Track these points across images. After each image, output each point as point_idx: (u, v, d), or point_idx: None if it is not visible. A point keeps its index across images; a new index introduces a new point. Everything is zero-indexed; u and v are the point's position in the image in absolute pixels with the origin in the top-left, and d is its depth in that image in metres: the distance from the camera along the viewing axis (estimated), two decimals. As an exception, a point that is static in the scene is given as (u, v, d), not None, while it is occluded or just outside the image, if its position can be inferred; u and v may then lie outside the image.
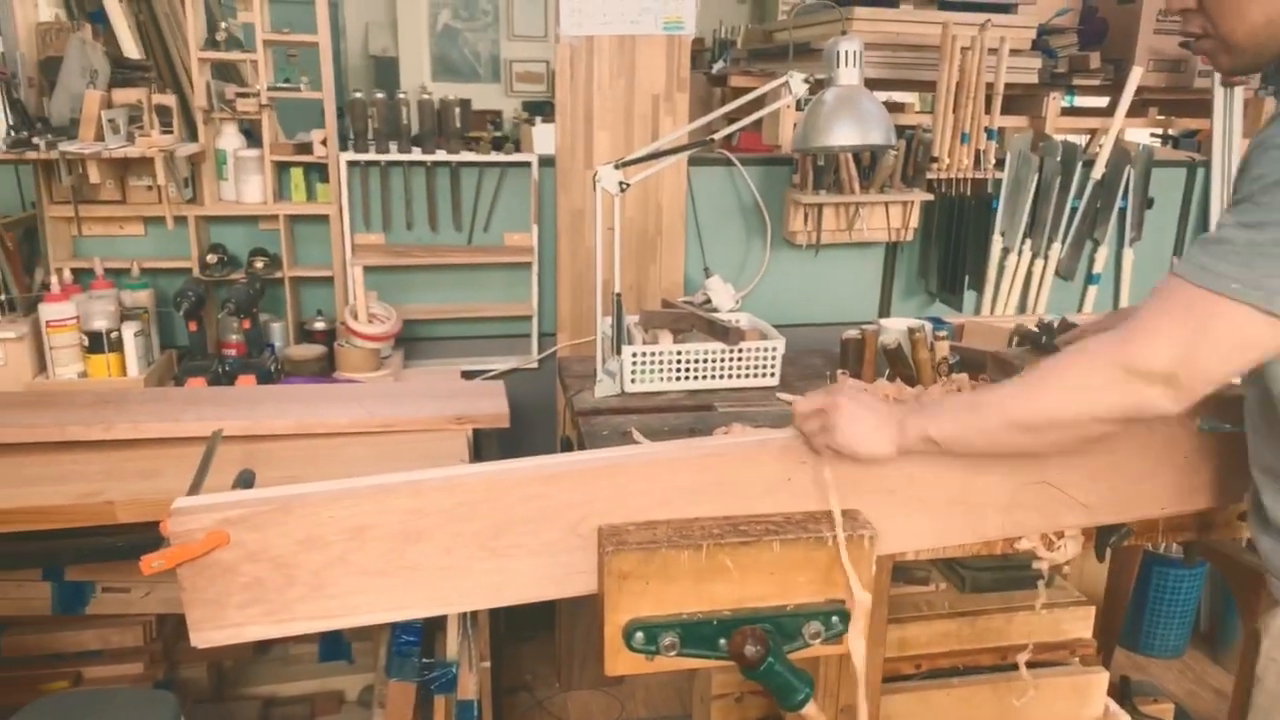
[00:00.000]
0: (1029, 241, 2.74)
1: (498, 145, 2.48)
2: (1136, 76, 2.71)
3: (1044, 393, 1.04)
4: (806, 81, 1.75)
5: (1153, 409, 0.99)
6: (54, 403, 1.90)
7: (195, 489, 1.28)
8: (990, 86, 2.60)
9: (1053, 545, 1.37)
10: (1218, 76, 2.78)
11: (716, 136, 1.80)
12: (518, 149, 2.55)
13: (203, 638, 1.13)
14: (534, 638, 2.76)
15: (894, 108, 3.14)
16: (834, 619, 1.20)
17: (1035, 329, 1.84)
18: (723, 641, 1.17)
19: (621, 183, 1.77)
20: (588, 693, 2.61)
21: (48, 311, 2.03)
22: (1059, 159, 2.67)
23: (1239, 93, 2.83)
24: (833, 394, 1.15)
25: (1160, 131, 3.14)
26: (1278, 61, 1.03)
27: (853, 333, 1.94)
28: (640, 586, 1.14)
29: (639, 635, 1.16)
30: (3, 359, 2.01)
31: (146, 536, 1.17)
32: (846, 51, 1.67)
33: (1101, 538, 1.42)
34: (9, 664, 2.06)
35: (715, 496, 1.20)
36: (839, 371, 1.90)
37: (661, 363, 1.92)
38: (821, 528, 1.18)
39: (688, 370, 1.93)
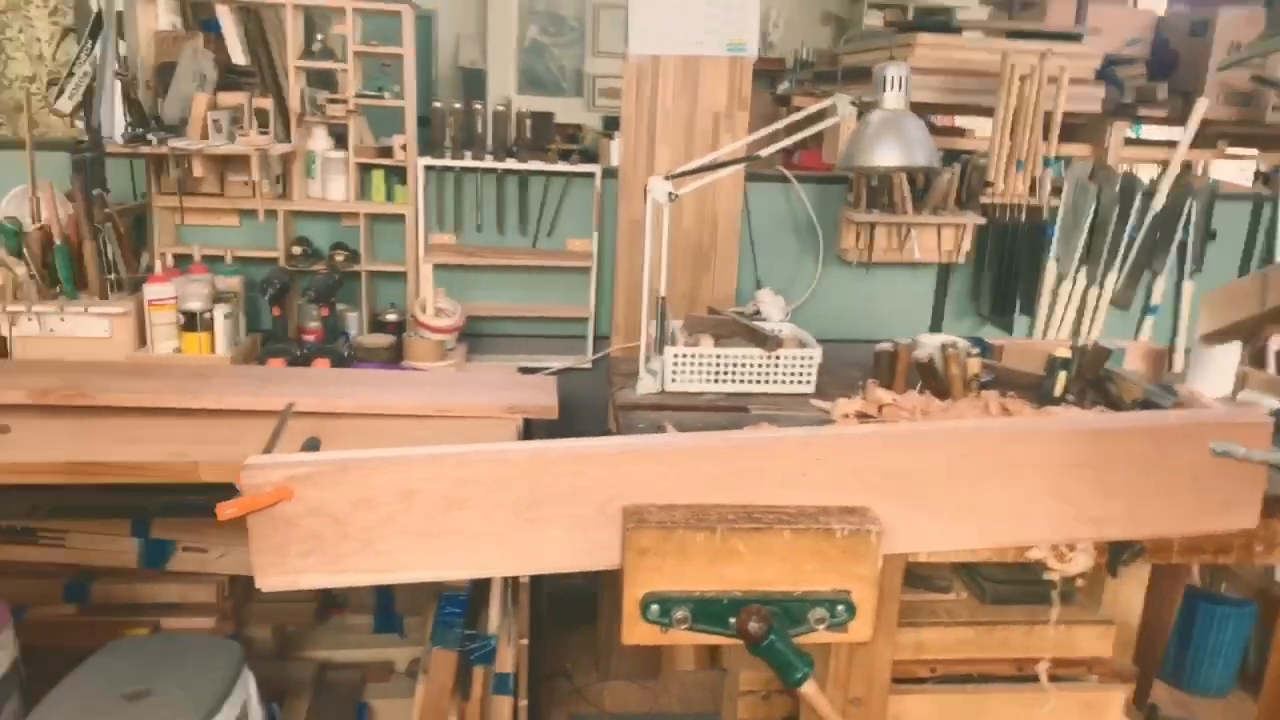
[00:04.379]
0: (1084, 269, 2.75)
1: (564, 156, 2.62)
2: (1201, 108, 2.71)
3: None
4: (854, 104, 1.83)
5: None
6: (151, 373, 2.09)
7: (268, 450, 1.43)
8: (1049, 115, 2.63)
9: (1063, 557, 1.41)
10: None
11: (763, 153, 1.89)
12: (595, 160, 2.68)
13: (266, 581, 1.26)
14: (576, 628, 2.87)
15: (955, 132, 3.18)
16: (839, 608, 1.27)
17: (1069, 353, 1.89)
18: (732, 620, 1.26)
19: (671, 194, 1.88)
20: (624, 684, 2.71)
21: (150, 291, 2.23)
22: (1117, 189, 2.69)
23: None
24: None
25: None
26: None
27: (886, 345, 2.00)
28: (657, 562, 1.24)
29: (654, 608, 1.25)
30: (110, 332, 2.22)
31: (225, 495, 1.32)
32: (892, 76, 1.75)
33: (1114, 554, 1.46)
34: (97, 610, 2.26)
35: (734, 486, 1.28)
36: (869, 381, 1.97)
37: (701, 364, 2.01)
38: (831, 520, 1.26)
39: (726, 373, 2.02)
